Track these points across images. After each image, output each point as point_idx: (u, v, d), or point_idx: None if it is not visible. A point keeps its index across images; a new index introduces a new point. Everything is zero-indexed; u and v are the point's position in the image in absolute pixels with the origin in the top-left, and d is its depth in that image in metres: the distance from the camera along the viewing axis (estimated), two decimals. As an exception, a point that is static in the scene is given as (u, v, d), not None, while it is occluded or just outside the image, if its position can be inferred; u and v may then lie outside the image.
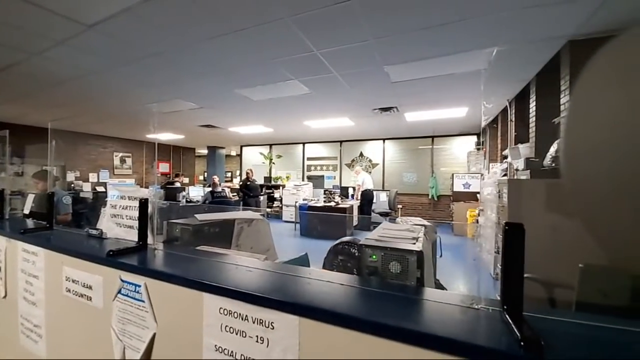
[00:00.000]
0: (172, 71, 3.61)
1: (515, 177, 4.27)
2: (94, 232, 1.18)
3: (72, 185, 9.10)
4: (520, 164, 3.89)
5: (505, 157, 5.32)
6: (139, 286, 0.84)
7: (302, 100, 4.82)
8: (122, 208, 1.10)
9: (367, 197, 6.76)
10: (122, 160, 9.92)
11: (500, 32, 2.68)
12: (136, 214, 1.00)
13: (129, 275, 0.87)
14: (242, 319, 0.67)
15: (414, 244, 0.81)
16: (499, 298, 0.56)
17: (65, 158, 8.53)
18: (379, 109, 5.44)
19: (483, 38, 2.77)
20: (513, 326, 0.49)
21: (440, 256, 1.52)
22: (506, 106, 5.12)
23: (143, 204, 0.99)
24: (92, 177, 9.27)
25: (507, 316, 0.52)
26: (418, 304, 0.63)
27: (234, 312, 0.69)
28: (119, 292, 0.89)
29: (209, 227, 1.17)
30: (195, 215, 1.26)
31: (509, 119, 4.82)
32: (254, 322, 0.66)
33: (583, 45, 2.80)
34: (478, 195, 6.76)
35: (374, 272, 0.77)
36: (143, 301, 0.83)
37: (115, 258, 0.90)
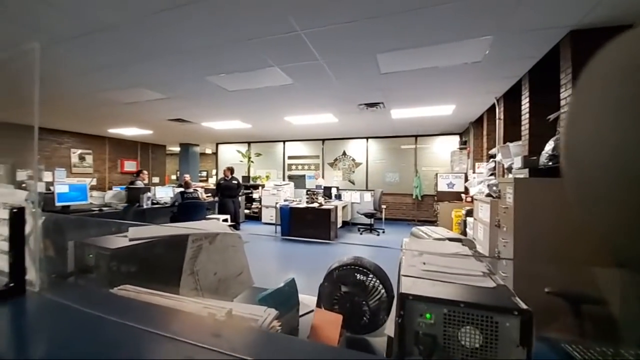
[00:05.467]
0: (125, 51, 3.07)
1: (506, 176, 4.14)
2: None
3: (23, 185, 8.07)
4: (511, 162, 3.75)
5: (492, 156, 5.22)
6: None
7: (284, 92, 4.41)
8: (-8, 223, 0.67)
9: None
10: (81, 158, 8.96)
11: (500, 19, 2.45)
12: (7, 232, 0.59)
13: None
14: None
15: (495, 287, 0.46)
16: None
17: (14, 155, 7.52)
18: (365, 104, 5.15)
19: (481, 24, 2.53)
20: None
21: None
22: (493, 104, 5.01)
23: (16, 216, 0.57)
24: (47, 176, 8.26)
25: None
26: None
27: None
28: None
29: (145, 249, 0.76)
30: (130, 229, 0.84)
31: (497, 117, 4.70)
32: None
33: (585, 36, 2.63)
34: (463, 195, 6.68)
35: (430, 343, 0.41)
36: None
37: None
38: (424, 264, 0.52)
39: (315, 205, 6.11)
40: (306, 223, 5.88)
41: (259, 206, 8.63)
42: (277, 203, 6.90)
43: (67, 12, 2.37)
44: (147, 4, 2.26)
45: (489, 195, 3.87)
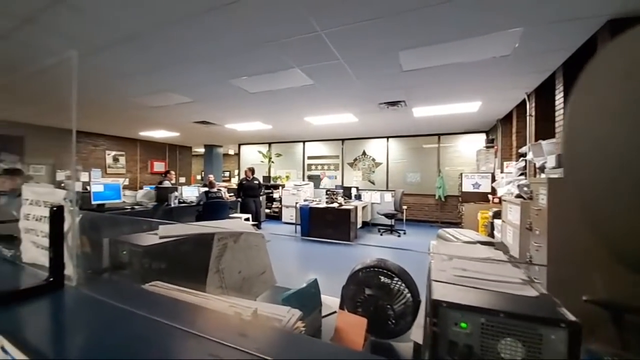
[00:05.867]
0: (153, 58, 3.22)
1: (538, 176, 3.89)
2: (6, 252, 0.79)
3: (62, 185, 8.69)
4: (544, 161, 3.52)
5: (522, 155, 4.95)
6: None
7: (304, 93, 4.43)
8: (37, 219, 0.72)
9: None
10: (115, 159, 9.51)
11: (531, 10, 2.30)
12: (47, 229, 0.62)
13: (13, 349, 0.49)
14: None
15: (538, 296, 0.42)
16: None
17: (55, 156, 8.13)
18: (386, 103, 5.06)
19: (511, 16, 2.40)
20: None
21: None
22: (523, 100, 4.75)
23: (55, 214, 0.60)
24: (84, 176, 8.85)
25: None
26: None
27: None
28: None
29: (174, 247, 0.78)
30: (161, 227, 0.87)
31: (527, 114, 4.44)
32: None
33: (625, 26, 2.41)
34: (490, 195, 6.39)
35: (466, 354, 0.39)
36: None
37: None
38: (459, 269, 0.49)
39: (335, 205, 6.09)
40: (326, 223, 5.87)
41: (280, 206, 8.74)
42: (297, 203, 6.95)
43: (100, 23, 2.51)
44: (171, 13, 2.35)
45: (519, 196, 3.66)
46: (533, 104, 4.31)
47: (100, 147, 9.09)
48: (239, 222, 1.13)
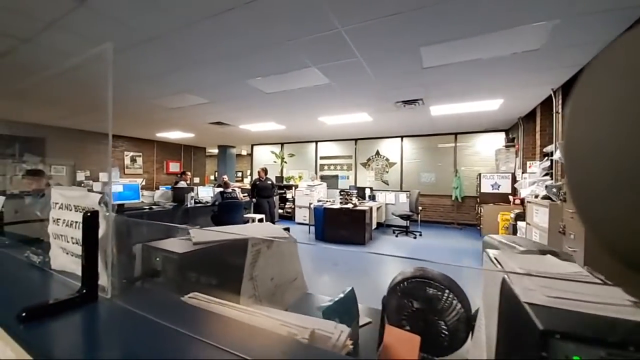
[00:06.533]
0: (171, 59, 3.23)
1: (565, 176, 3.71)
2: (35, 259, 0.76)
3: (82, 185, 8.94)
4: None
5: (546, 154, 4.74)
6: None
7: (320, 92, 4.37)
8: (67, 225, 0.68)
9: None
10: (133, 160, 9.73)
11: (565, 1, 2.17)
12: (78, 235, 0.58)
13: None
14: None
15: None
16: None
17: (75, 157, 8.38)
18: (403, 101, 4.94)
19: (542, 7, 2.26)
20: None
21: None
22: (547, 97, 4.54)
23: (89, 219, 0.56)
24: (103, 176, 9.09)
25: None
26: None
27: None
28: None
29: (208, 253, 0.74)
30: (192, 232, 0.82)
31: (554, 111, 4.24)
32: None
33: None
34: (510, 196, 6.16)
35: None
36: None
37: (28, 327, 0.48)
38: (551, 288, 0.42)
39: (350, 206, 6.00)
40: (340, 224, 5.79)
41: (292, 206, 8.72)
42: (310, 204, 6.90)
43: (120, 25, 2.53)
44: (192, 14, 2.34)
45: (546, 197, 3.50)
46: (560, 101, 4.11)
47: (119, 148, 9.31)
48: (271, 226, 1.08)
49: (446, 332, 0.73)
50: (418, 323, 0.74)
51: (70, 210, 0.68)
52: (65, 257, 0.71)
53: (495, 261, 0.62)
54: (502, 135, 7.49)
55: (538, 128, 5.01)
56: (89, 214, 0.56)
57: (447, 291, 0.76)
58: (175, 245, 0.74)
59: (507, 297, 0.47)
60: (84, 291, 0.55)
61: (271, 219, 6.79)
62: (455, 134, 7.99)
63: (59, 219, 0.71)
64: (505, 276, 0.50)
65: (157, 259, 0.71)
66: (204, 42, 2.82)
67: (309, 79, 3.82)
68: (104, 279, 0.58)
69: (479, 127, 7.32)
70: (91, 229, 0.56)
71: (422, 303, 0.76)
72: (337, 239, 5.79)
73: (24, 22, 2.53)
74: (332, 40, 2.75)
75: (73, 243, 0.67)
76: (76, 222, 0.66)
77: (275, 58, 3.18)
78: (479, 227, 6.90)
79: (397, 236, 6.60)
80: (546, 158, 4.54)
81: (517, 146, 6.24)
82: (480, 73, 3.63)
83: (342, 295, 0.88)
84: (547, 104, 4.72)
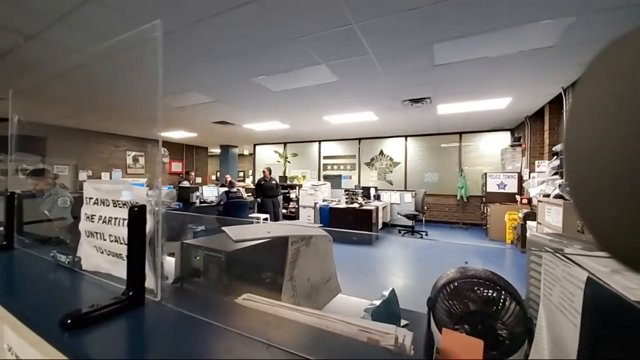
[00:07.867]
0: (178, 56, 3.18)
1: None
2: (63, 259, 0.72)
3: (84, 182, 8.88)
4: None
5: (556, 153, 4.70)
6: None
7: (326, 90, 4.33)
8: (104, 221, 0.64)
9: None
10: (135, 160, 9.67)
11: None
12: (125, 232, 0.53)
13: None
14: None
15: None
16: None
17: (77, 157, 8.31)
18: (410, 100, 4.90)
19: (562, 2, 2.22)
20: None
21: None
22: (556, 95, 4.51)
23: (136, 215, 0.51)
24: (105, 176, 9.04)
25: None
26: None
27: None
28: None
29: (249, 252, 0.69)
30: (224, 229, 0.78)
31: (564, 109, 4.21)
32: None
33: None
34: (517, 196, 6.12)
35: None
36: None
37: (73, 334, 0.44)
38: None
39: (356, 205, 5.96)
40: (346, 224, 5.74)
41: (296, 206, 8.67)
42: (316, 203, 6.85)
43: (130, 21, 2.48)
44: (204, 10, 2.29)
45: (558, 196, 3.46)
46: (570, 99, 4.07)
47: (122, 147, 9.26)
48: (303, 223, 1.03)
49: (505, 335, 0.69)
50: (476, 327, 0.70)
51: (108, 205, 0.64)
52: (99, 257, 0.66)
53: (566, 259, 0.57)
54: (507, 134, 7.46)
55: (547, 127, 4.98)
56: (135, 209, 0.51)
57: (503, 292, 0.71)
58: (217, 243, 0.69)
59: (602, 298, 0.43)
60: (130, 294, 0.51)
61: (275, 218, 6.74)
62: (460, 133, 7.95)
63: (94, 215, 0.66)
64: (590, 275, 0.46)
65: (198, 257, 0.67)
66: (215, 38, 2.77)
67: (317, 77, 3.78)
68: (151, 280, 0.54)
69: (485, 126, 7.28)
70: (138, 225, 0.52)
71: (478, 305, 0.72)
72: (343, 239, 5.74)
73: (35, 18, 2.48)
74: (345, 36, 2.70)
75: (112, 241, 0.63)
76: (116, 218, 0.62)
77: (285, 55, 3.13)
78: (484, 227, 6.87)
79: (403, 235, 6.56)
80: (556, 157, 4.50)
81: (523, 145, 6.20)
82: (491, 71, 3.59)
83: (385, 296, 0.84)
84: (555, 102, 4.68)
